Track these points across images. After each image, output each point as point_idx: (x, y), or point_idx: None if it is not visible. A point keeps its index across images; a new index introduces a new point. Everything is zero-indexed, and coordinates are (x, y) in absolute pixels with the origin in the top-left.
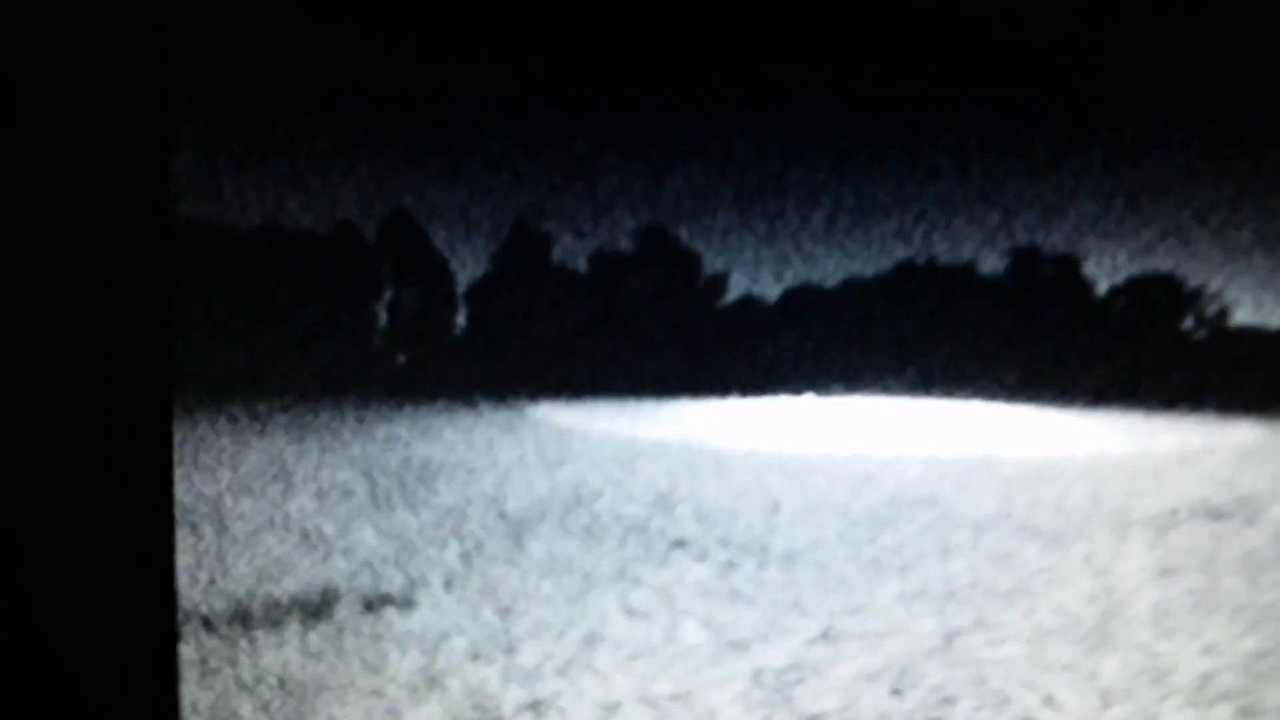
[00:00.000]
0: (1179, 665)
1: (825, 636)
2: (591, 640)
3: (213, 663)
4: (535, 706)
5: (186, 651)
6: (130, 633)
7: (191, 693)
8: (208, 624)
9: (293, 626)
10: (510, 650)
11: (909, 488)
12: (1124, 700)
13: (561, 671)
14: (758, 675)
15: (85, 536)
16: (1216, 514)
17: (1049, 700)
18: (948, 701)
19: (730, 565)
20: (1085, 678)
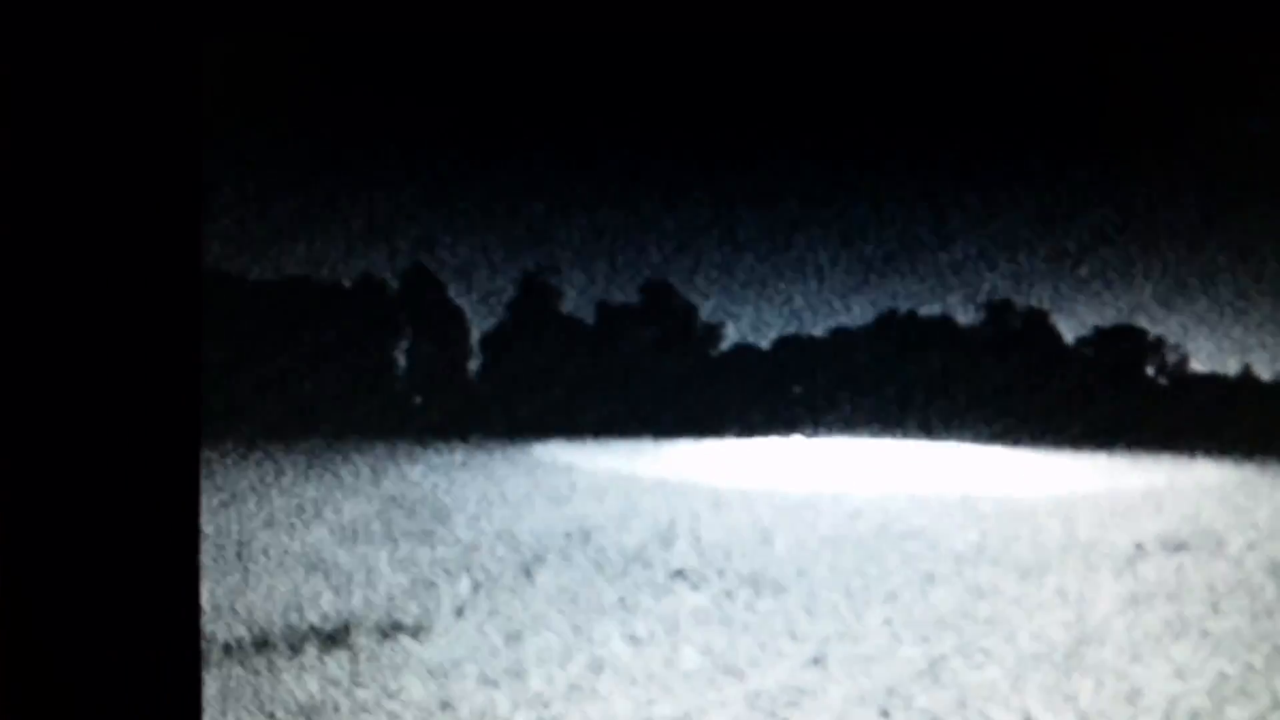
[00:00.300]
0: (1150, 687)
1: (816, 661)
2: (596, 666)
3: (235, 688)
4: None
5: (210, 678)
6: (156, 659)
7: (214, 717)
8: (229, 651)
9: (311, 654)
10: (518, 675)
11: (893, 522)
12: (1098, 714)
13: (567, 696)
14: (753, 698)
15: (116, 569)
16: (1181, 546)
17: (1027, 719)
18: (932, 718)
19: (726, 594)
20: (1062, 699)
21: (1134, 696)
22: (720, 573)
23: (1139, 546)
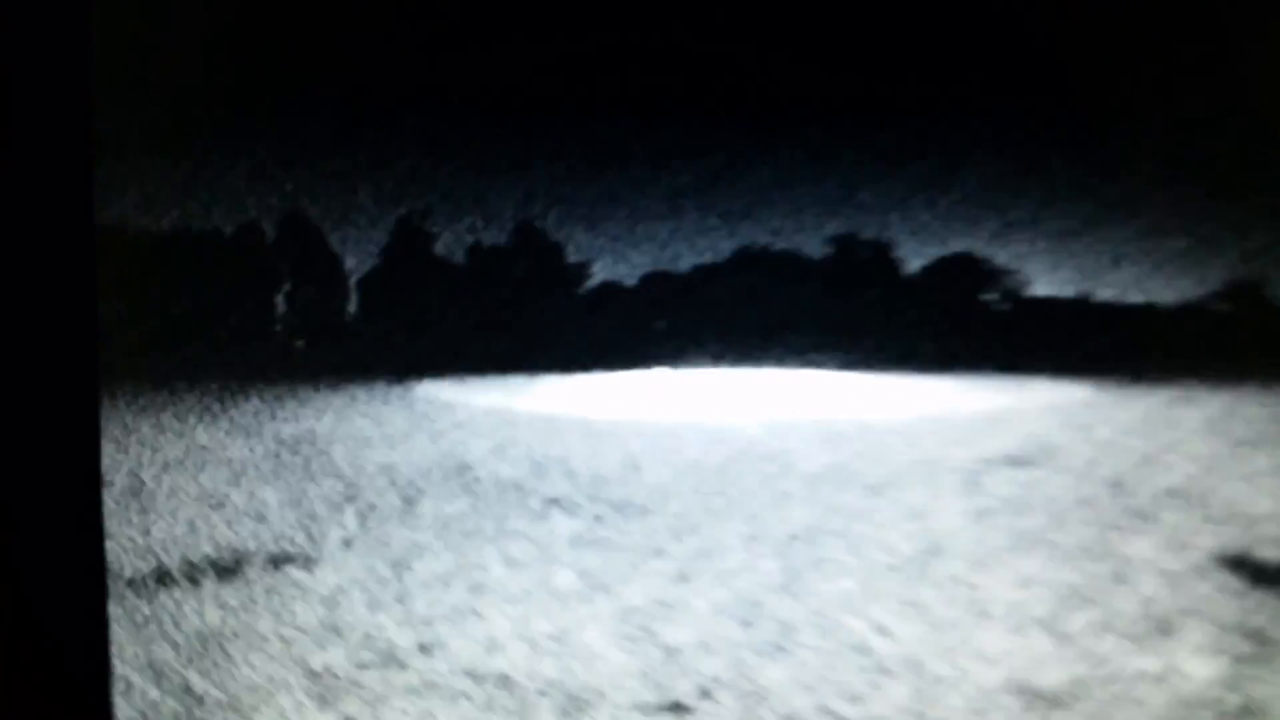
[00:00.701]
0: (995, 596)
1: (682, 578)
2: (476, 589)
3: (140, 619)
4: (426, 648)
5: (117, 611)
6: (65, 595)
7: (120, 645)
8: (132, 585)
9: (208, 586)
10: (403, 600)
11: (752, 447)
12: (946, 626)
13: (449, 618)
14: (624, 613)
15: (25, 513)
16: (1023, 462)
17: (880, 628)
18: (791, 630)
19: (597, 519)
20: (912, 608)
21: (980, 605)
22: (591, 499)
23: (984, 463)
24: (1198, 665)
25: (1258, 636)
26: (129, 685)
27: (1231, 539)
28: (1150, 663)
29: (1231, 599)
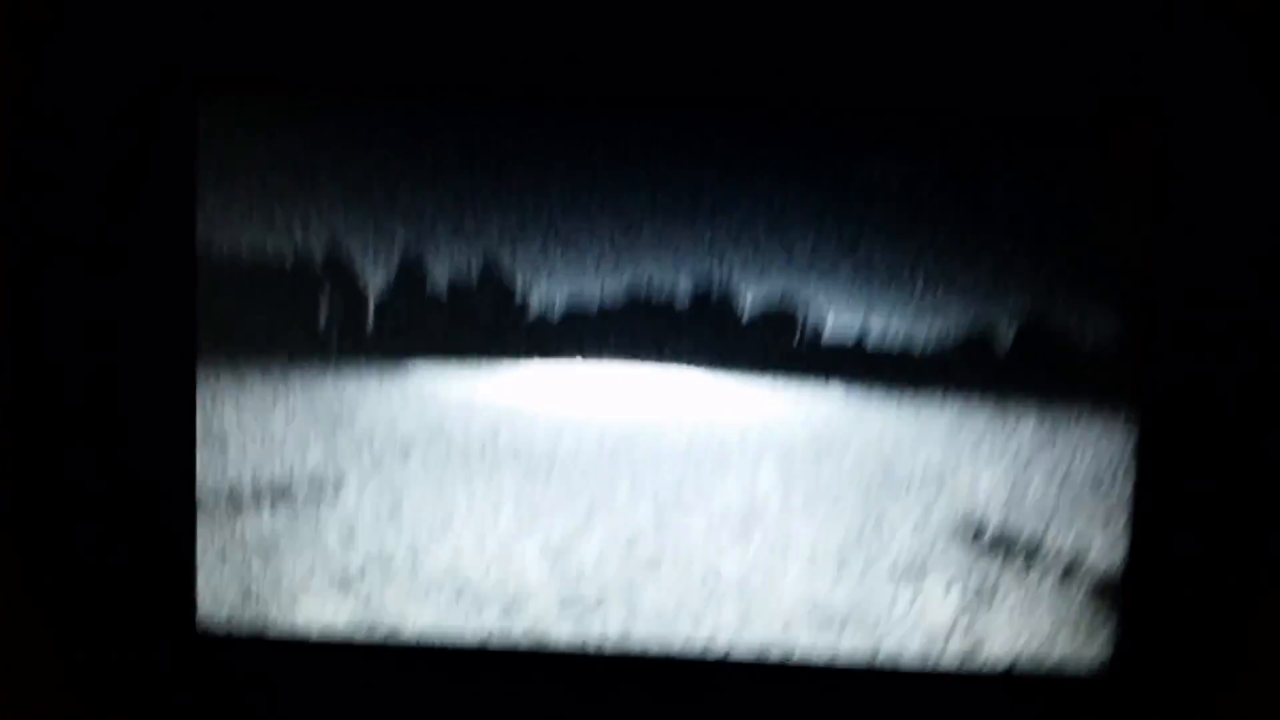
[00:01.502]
0: (797, 540)
1: (586, 517)
2: (449, 515)
3: (215, 533)
4: (413, 552)
5: (201, 522)
6: (160, 510)
7: (204, 548)
8: (214, 507)
9: (265, 508)
10: (397, 519)
11: (637, 423)
12: (764, 562)
13: (431, 535)
14: (545, 540)
15: (137, 445)
16: (820, 445)
17: (720, 551)
18: (659, 556)
19: (532, 471)
20: (738, 549)
21: (786, 547)
22: (530, 457)
23: (792, 444)
24: (940, 601)
25: (981, 580)
26: (209, 581)
27: (963, 510)
28: (905, 597)
29: (963, 553)
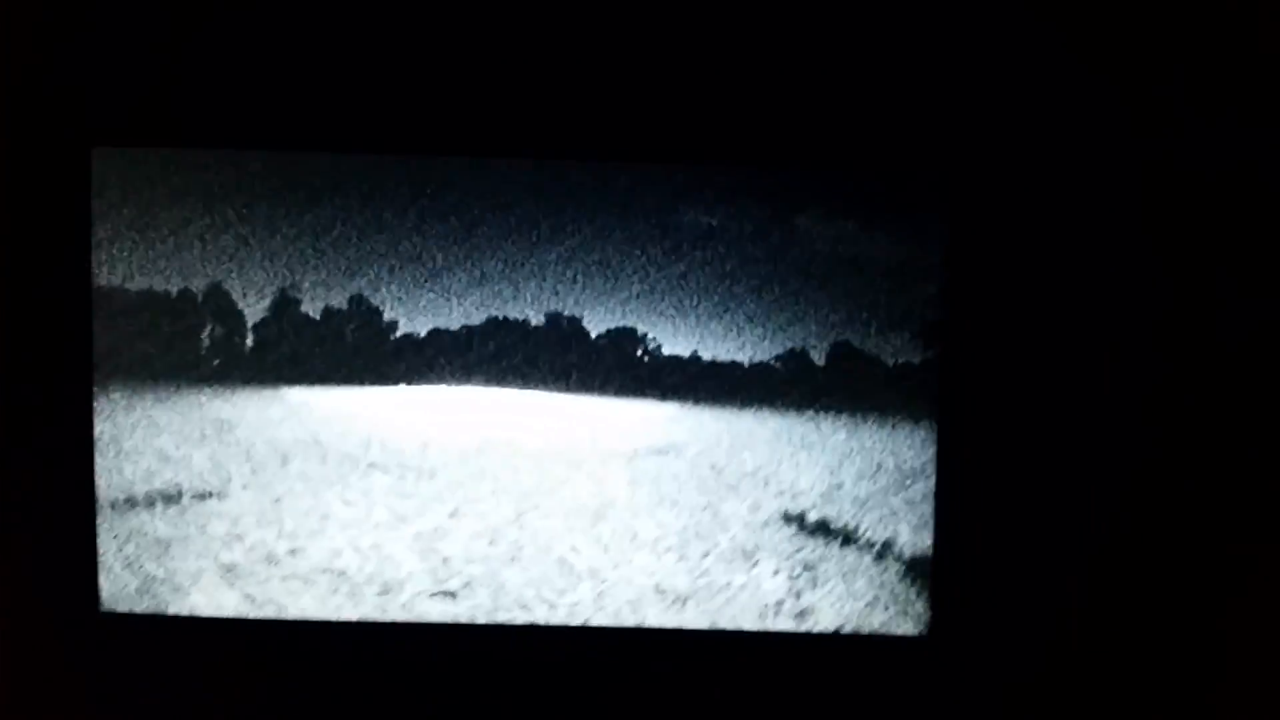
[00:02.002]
0: (643, 531)
1: (453, 514)
2: (324, 516)
3: (114, 528)
4: (294, 552)
5: (101, 524)
6: (60, 513)
7: (101, 546)
8: (113, 506)
9: (158, 508)
10: (278, 522)
11: (494, 434)
12: (614, 551)
13: (309, 534)
14: (416, 535)
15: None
16: (660, 451)
17: (574, 549)
18: (519, 549)
19: (401, 477)
20: (593, 538)
21: (634, 538)
22: (398, 465)
23: (635, 451)
24: (770, 581)
25: (806, 565)
26: (109, 570)
27: (787, 504)
28: (739, 578)
29: (789, 541)
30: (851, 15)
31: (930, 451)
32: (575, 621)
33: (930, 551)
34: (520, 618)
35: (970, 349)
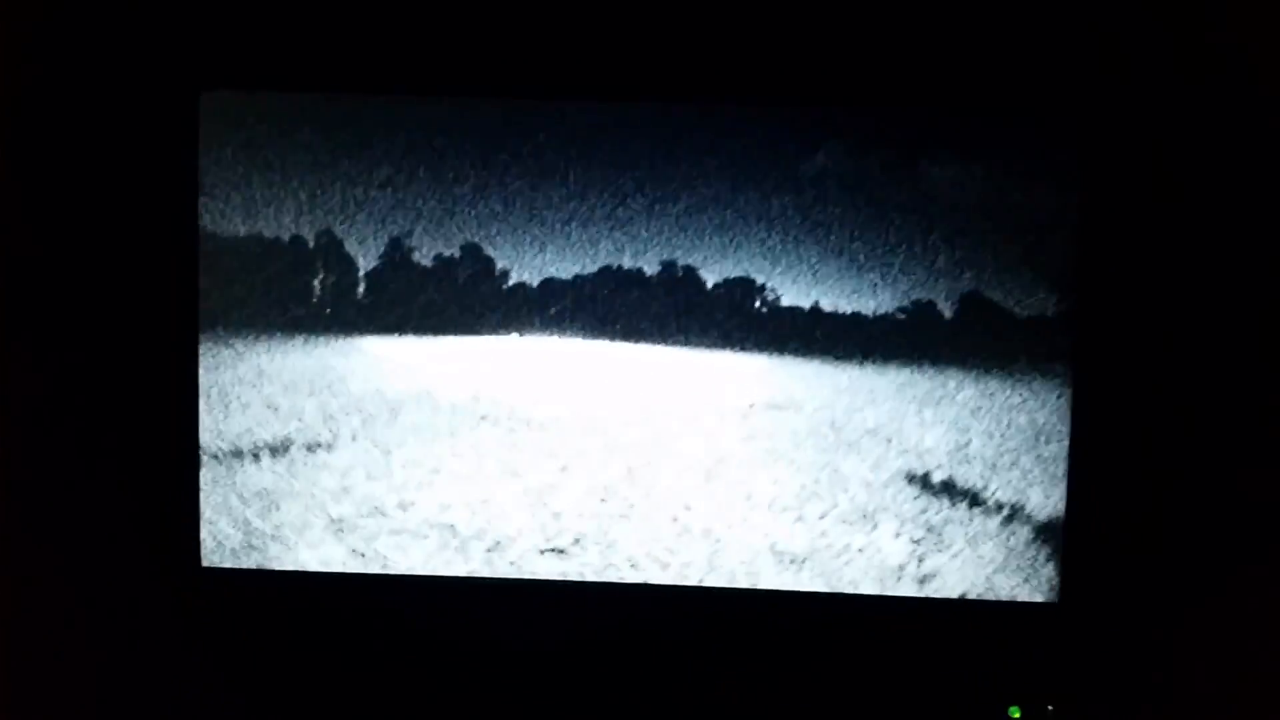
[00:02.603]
0: (757, 490)
1: (563, 469)
2: (435, 469)
3: (218, 481)
4: (404, 505)
5: (203, 474)
6: (163, 464)
7: (206, 499)
8: (216, 457)
9: (265, 461)
10: (389, 474)
11: (607, 388)
12: (727, 507)
13: (418, 487)
14: (526, 490)
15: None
16: (776, 406)
17: (687, 507)
18: (630, 506)
19: (512, 430)
20: (706, 497)
21: (748, 495)
22: (510, 418)
23: (750, 406)
24: (891, 543)
25: (929, 527)
26: (211, 523)
27: (911, 463)
28: (859, 540)
29: (912, 503)
30: None
31: (1064, 409)
32: (688, 582)
33: (1062, 515)
34: (631, 577)
35: (1107, 301)
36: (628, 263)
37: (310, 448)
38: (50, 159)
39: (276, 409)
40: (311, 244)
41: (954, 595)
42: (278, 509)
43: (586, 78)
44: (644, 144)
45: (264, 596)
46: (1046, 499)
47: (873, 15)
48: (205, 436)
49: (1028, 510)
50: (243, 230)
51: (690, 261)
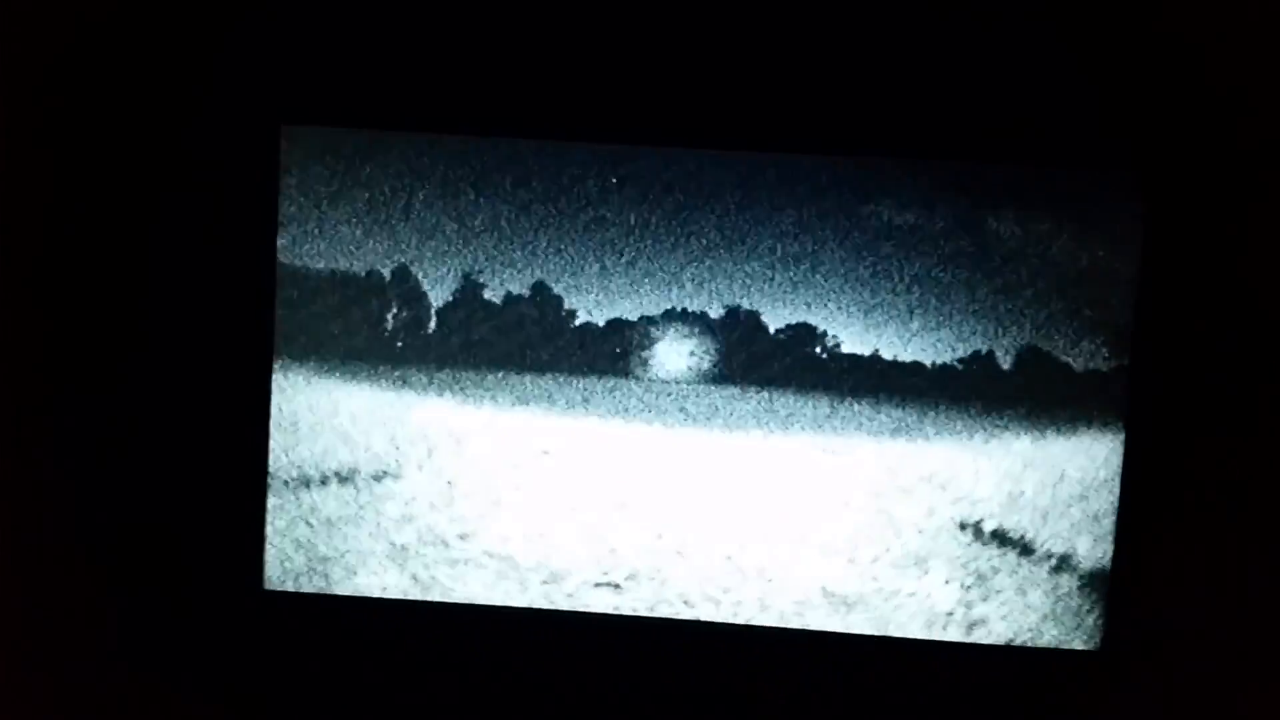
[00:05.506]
0: (811, 531)
1: (622, 506)
2: (496, 502)
3: (284, 507)
4: (465, 537)
5: (270, 500)
6: (233, 490)
7: (272, 523)
8: (285, 484)
9: (331, 488)
10: (450, 503)
11: (670, 427)
12: (780, 550)
13: (480, 517)
14: (584, 525)
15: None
16: (834, 451)
17: (741, 547)
18: (686, 542)
19: (572, 465)
20: (759, 536)
21: (801, 538)
22: (571, 453)
23: (808, 449)
24: (941, 589)
25: (979, 575)
26: (277, 548)
27: (964, 511)
28: (910, 585)
29: (963, 549)
30: (1049, 6)
31: (1116, 463)
32: (739, 620)
33: (1108, 565)
34: (683, 613)
35: (1163, 358)
36: (693, 305)
37: (376, 476)
38: (135, 190)
39: (345, 437)
40: (386, 277)
41: (1000, 641)
42: (342, 535)
43: (662, 124)
44: (716, 190)
45: (324, 620)
46: (1094, 549)
47: (942, 71)
48: (274, 462)
49: (1075, 560)
50: (319, 262)
51: (754, 306)
